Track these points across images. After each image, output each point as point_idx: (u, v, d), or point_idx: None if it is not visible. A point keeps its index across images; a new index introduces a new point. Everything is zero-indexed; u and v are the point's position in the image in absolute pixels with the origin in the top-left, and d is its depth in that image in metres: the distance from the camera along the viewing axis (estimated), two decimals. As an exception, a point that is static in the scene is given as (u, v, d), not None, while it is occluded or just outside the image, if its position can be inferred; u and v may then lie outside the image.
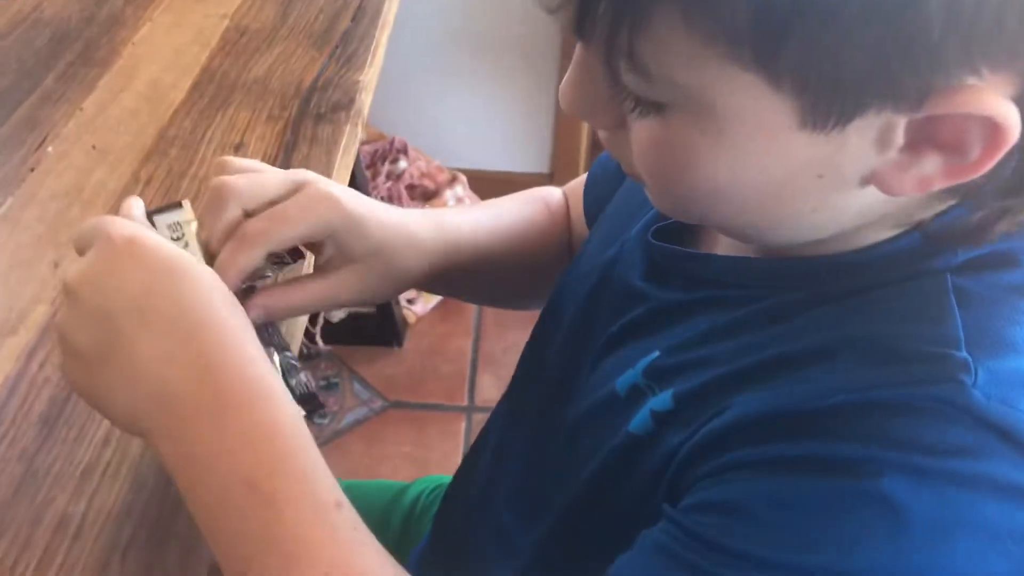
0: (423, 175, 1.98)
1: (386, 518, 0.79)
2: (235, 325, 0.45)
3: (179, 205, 0.51)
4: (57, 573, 0.48)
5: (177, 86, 0.88)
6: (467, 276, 0.63)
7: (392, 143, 1.96)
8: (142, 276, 0.44)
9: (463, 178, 1.99)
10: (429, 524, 0.71)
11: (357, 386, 1.76)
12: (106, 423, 0.55)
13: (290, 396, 0.46)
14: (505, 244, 0.66)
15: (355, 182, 1.67)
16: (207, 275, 0.46)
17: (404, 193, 1.94)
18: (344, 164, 0.80)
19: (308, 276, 0.56)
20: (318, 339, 1.77)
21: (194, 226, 0.50)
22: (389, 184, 1.93)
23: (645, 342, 0.49)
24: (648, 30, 0.36)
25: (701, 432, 0.42)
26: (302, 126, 0.83)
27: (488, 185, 1.84)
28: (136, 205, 0.49)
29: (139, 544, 0.49)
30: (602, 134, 0.45)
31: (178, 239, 0.49)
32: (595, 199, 0.66)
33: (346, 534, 0.42)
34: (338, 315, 1.78)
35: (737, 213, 0.42)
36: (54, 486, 0.52)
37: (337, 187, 0.54)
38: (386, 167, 1.94)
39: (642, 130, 0.41)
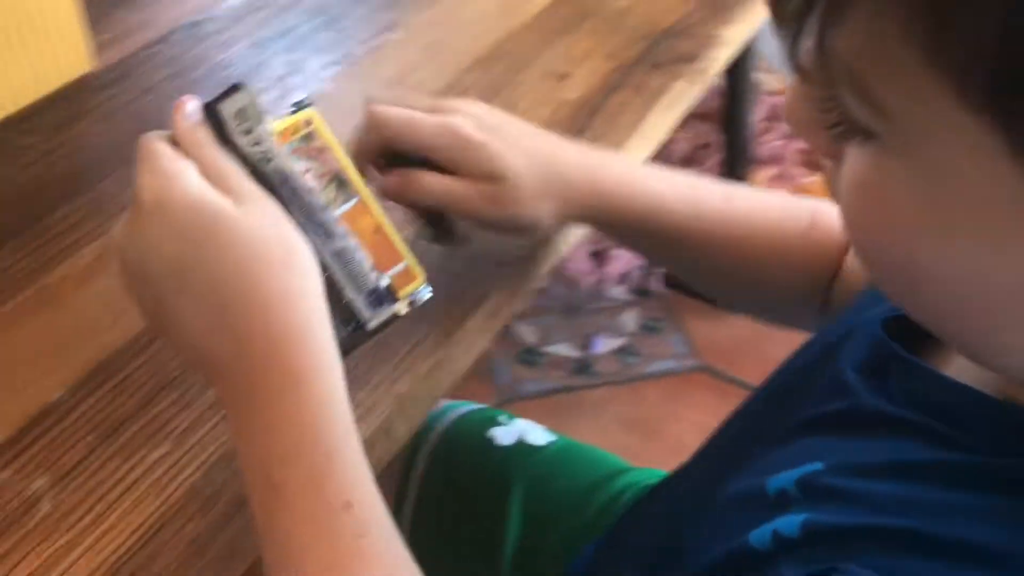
0: (821, 143, 1.84)
1: (589, 496, 0.75)
2: (269, 291, 0.41)
3: (237, 88, 0.45)
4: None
5: (541, 2, 0.86)
6: (645, 244, 0.60)
7: (799, 102, 1.83)
8: (173, 243, 0.42)
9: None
10: (612, 525, 0.67)
11: (676, 337, 1.71)
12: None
13: (330, 356, 0.43)
14: (701, 237, 0.58)
15: (735, 130, 1.59)
16: (240, 229, 0.42)
17: (792, 156, 1.81)
18: (660, 121, 0.74)
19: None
20: (655, 279, 1.74)
21: (260, 109, 0.46)
22: (780, 143, 1.81)
23: (824, 442, 0.41)
24: (852, 16, 0.28)
25: None
26: (635, 70, 0.78)
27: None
28: (191, 109, 0.44)
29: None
30: (824, 164, 0.36)
31: (248, 131, 0.45)
32: None
33: (347, 541, 0.39)
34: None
35: (938, 305, 0.33)
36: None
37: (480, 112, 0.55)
38: (780, 126, 1.82)
39: (852, 165, 0.33)
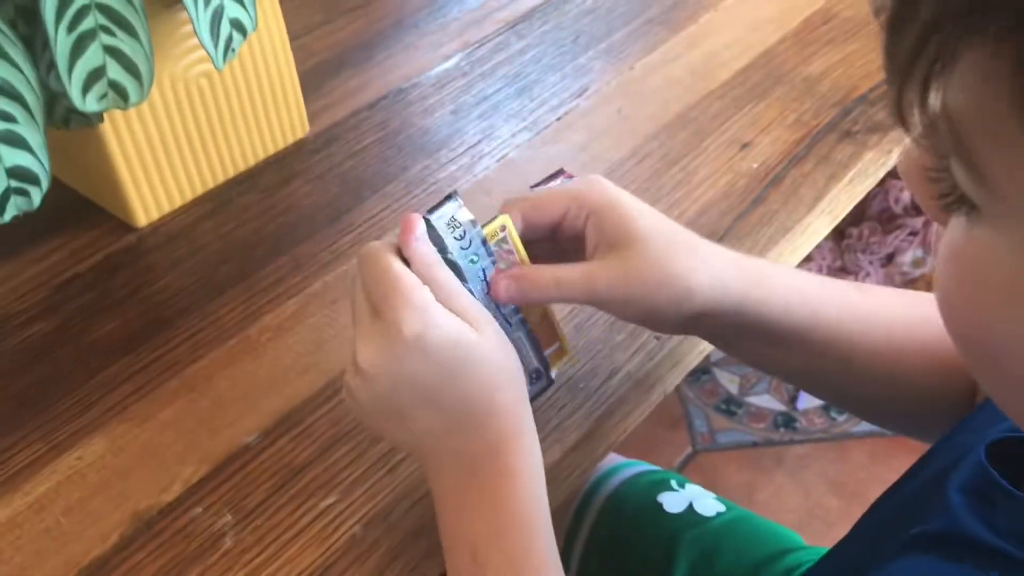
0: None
1: (753, 573, 0.74)
2: (499, 402, 0.47)
3: (450, 197, 0.50)
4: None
5: (729, 65, 0.86)
6: (775, 344, 0.53)
7: None
8: (432, 375, 0.46)
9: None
10: None
11: (887, 397, 1.63)
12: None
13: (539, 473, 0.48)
14: (841, 330, 0.54)
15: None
16: (482, 354, 0.47)
17: None
18: (842, 196, 0.72)
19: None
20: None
21: (466, 214, 0.50)
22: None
23: (923, 563, 0.39)
24: (959, 74, 0.27)
25: None
26: (823, 140, 0.76)
27: None
28: (419, 229, 0.48)
29: (427, 502, 0.54)
30: (936, 228, 0.35)
31: (460, 237, 0.50)
32: None
33: None
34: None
35: (1006, 387, 0.33)
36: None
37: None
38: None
39: (951, 232, 0.32)
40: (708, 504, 0.79)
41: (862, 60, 0.85)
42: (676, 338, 0.62)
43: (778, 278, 0.53)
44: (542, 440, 0.56)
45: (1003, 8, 0.25)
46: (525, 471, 0.47)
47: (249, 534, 0.53)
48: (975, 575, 0.37)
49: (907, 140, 0.34)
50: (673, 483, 0.82)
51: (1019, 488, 0.39)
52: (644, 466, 0.85)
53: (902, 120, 0.29)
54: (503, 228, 0.52)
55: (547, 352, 0.54)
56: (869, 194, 1.70)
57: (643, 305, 0.49)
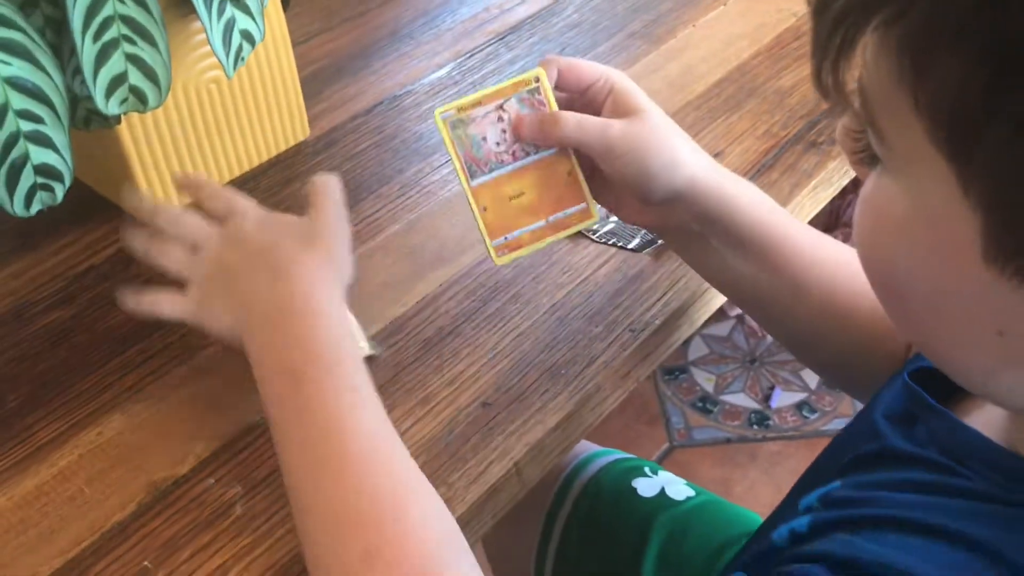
0: None
1: (720, 554, 0.78)
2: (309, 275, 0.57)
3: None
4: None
5: (705, 78, 0.92)
6: (736, 245, 0.60)
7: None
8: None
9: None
10: None
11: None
12: (456, 369, 0.65)
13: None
14: (796, 247, 0.60)
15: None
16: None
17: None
18: (811, 198, 0.78)
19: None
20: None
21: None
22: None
23: (859, 477, 0.45)
24: (863, 54, 0.34)
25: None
26: (789, 151, 0.82)
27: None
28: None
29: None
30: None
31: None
32: None
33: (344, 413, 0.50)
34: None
35: (907, 316, 0.40)
36: (400, 398, 0.64)
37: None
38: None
39: (866, 184, 0.39)
40: (679, 489, 0.84)
41: (829, 76, 0.91)
42: (649, 331, 0.67)
43: (751, 187, 0.61)
44: (526, 421, 0.61)
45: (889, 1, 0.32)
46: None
47: (258, 503, 0.59)
48: (896, 473, 0.43)
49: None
50: (647, 469, 0.87)
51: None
52: (620, 454, 0.90)
53: (821, 90, 0.36)
54: (537, 79, 0.59)
55: (572, 209, 0.61)
56: (844, 201, 1.77)
57: (642, 163, 0.57)
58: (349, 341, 0.55)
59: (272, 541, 0.56)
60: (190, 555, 0.56)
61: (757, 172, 0.80)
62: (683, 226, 0.61)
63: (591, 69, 0.60)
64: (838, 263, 0.61)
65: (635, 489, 0.84)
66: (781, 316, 0.64)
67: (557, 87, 0.60)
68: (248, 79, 0.81)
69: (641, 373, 0.67)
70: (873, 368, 0.61)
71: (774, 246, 0.60)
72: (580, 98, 0.61)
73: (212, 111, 0.79)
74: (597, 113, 0.60)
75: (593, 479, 0.86)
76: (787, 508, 0.50)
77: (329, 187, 0.61)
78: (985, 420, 0.43)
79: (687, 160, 0.58)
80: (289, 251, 0.58)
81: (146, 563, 0.56)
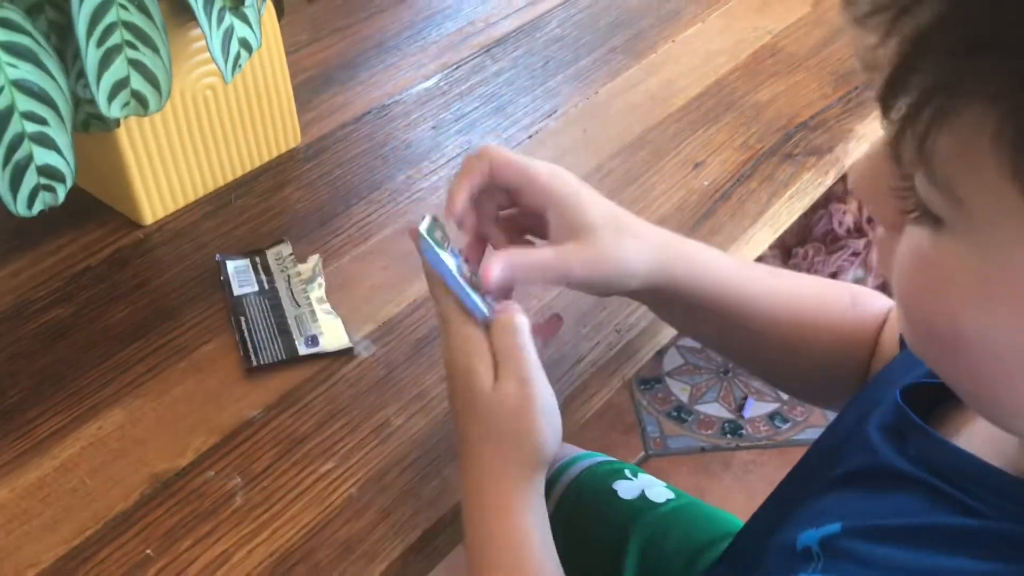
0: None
1: (699, 555, 0.80)
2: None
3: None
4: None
5: (686, 91, 0.95)
6: (696, 312, 0.62)
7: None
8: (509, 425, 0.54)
9: None
10: None
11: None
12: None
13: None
14: (754, 304, 0.62)
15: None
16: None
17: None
18: (783, 210, 0.81)
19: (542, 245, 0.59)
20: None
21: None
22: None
23: (847, 499, 0.47)
24: (952, 127, 0.32)
25: None
26: (767, 161, 0.85)
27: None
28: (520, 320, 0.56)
29: (415, 467, 0.61)
30: (879, 232, 0.41)
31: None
32: None
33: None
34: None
35: (971, 379, 0.38)
36: (393, 396, 0.66)
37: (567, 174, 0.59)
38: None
39: (911, 238, 0.37)
40: (659, 492, 0.86)
41: (804, 90, 0.94)
42: (634, 332, 0.70)
43: (703, 258, 0.62)
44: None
45: (991, 79, 0.30)
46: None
47: (256, 494, 0.60)
48: (892, 503, 0.45)
49: (854, 160, 0.41)
50: (627, 472, 0.89)
51: (929, 424, 0.47)
52: (602, 457, 0.92)
53: (896, 159, 0.34)
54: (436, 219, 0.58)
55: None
56: (815, 216, 1.81)
57: (601, 283, 0.58)
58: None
59: (272, 529, 0.58)
60: (191, 544, 0.58)
61: (736, 182, 0.83)
62: (651, 301, 0.64)
63: (522, 169, 0.58)
64: (799, 303, 0.64)
65: (616, 491, 0.86)
66: (746, 360, 0.69)
67: (486, 184, 0.59)
68: (243, 86, 0.83)
69: (626, 372, 0.70)
70: (840, 383, 0.65)
71: (730, 309, 0.62)
72: (514, 200, 0.60)
73: (208, 117, 0.81)
74: (535, 222, 0.60)
75: (575, 481, 0.88)
76: (777, 520, 0.51)
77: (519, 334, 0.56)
78: (980, 442, 0.44)
79: (642, 266, 0.58)
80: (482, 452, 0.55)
81: (148, 551, 0.58)
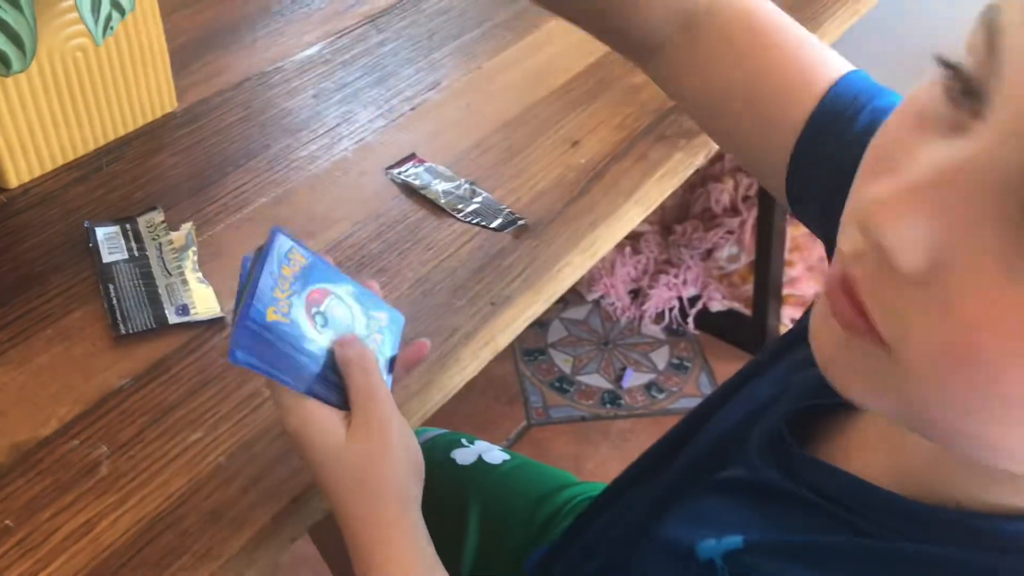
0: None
1: (537, 508, 0.83)
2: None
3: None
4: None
5: (568, 69, 0.97)
6: None
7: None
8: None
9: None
10: (558, 533, 0.76)
11: (702, 377, 1.79)
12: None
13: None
14: None
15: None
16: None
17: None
18: (654, 189, 0.84)
19: None
20: (689, 320, 1.83)
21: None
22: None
23: (736, 511, 0.48)
24: None
25: None
26: (641, 142, 0.88)
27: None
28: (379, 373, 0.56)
29: (286, 437, 0.62)
30: (857, 270, 0.35)
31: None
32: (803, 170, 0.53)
33: None
34: (717, 306, 1.82)
35: (987, 408, 0.34)
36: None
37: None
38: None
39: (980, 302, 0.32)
40: (495, 455, 0.88)
41: (679, 73, 0.97)
42: (507, 305, 0.72)
43: None
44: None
45: None
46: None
47: (123, 463, 0.60)
48: (789, 521, 0.46)
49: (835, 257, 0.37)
50: (463, 440, 0.90)
51: (813, 439, 0.48)
52: (437, 431, 0.93)
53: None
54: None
55: None
56: (693, 195, 1.87)
57: None
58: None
59: (139, 498, 0.58)
60: (53, 514, 0.57)
61: (611, 161, 0.85)
62: None
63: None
64: None
65: (454, 459, 0.87)
66: None
67: None
68: (116, 48, 0.81)
69: (500, 343, 0.71)
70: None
71: None
72: None
73: (78, 79, 0.79)
74: None
75: None
76: (675, 530, 0.51)
77: (364, 365, 0.55)
78: (870, 464, 0.45)
79: None
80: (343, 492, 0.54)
81: (7, 522, 0.57)
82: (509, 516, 0.81)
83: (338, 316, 0.57)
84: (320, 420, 0.54)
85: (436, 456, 0.88)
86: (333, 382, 0.55)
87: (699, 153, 0.89)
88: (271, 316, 0.53)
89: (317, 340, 0.55)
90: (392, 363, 0.60)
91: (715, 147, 0.91)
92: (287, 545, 0.59)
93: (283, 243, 0.56)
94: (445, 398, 0.68)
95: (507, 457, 0.88)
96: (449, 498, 0.84)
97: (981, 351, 0.32)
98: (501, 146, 0.87)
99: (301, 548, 0.64)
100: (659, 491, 0.58)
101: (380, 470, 0.53)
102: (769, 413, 0.52)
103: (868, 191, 0.33)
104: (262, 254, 0.55)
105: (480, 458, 0.87)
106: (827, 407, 0.49)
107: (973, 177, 0.31)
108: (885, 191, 0.32)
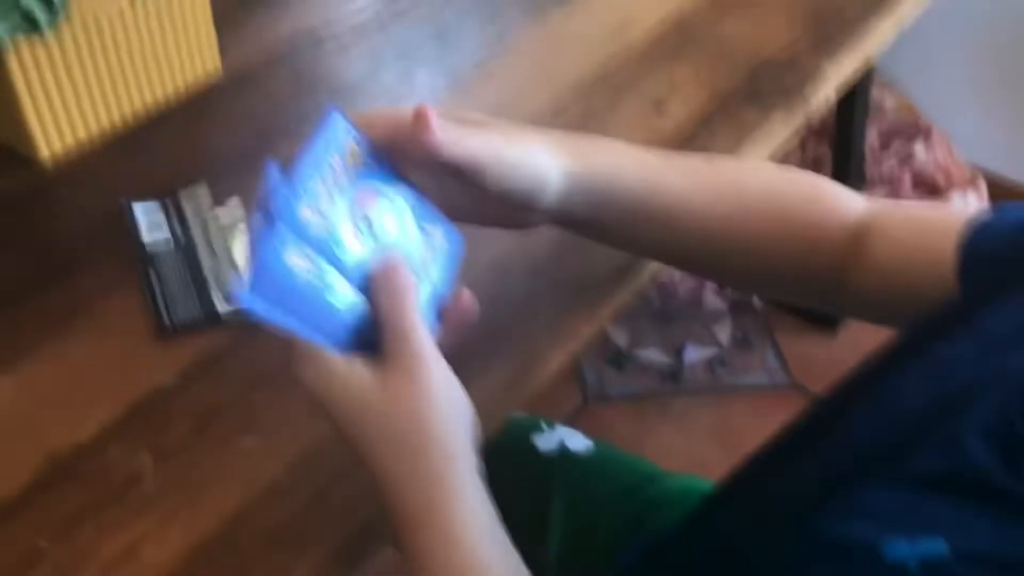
0: (937, 167, 1.79)
1: (626, 500, 0.78)
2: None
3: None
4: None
5: (647, 19, 0.88)
6: (622, 218, 0.57)
7: (916, 123, 1.80)
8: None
9: (983, 184, 1.77)
10: (657, 524, 0.71)
11: (768, 352, 1.71)
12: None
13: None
14: (699, 204, 0.58)
15: (847, 148, 1.57)
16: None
17: (907, 180, 1.78)
18: (751, 155, 0.75)
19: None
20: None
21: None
22: (893, 163, 1.78)
23: (942, 510, 0.40)
24: None
25: None
26: (732, 101, 0.79)
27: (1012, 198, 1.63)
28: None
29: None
30: None
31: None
32: (977, 255, 0.53)
33: None
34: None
35: None
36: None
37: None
38: (896, 145, 1.79)
39: None
40: (578, 441, 0.84)
41: (771, 25, 0.88)
42: (592, 291, 0.64)
43: (622, 155, 0.58)
44: (466, 383, 0.57)
45: None
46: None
47: (169, 473, 0.53)
48: (1008, 532, 0.38)
49: None
50: (543, 425, 0.86)
51: None
52: (517, 413, 0.87)
53: None
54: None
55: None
56: (804, 153, 1.76)
57: (518, 178, 0.52)
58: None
59: (188, 515, 0.51)
60: (93, 533, 0.51)
61: (702, 125, 0.77)
62: (571, 216, 0.57)
63: (390, 117, 0.50)
64: (742, 192, 0.60)
65: (534, 445, 0.83)
66: (701, 261, 0.62)
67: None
68: (155, 7, 0.73)
69: (585, 333, 0.63)
70: (813, 284, 0.61)
71: (666, 203, 0.58)
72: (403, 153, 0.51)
73: (114, 42, 0.72)
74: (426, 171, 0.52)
75: (491, 441, 0.84)
76: (846, 526, 0.43)
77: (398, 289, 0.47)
78: None
79: (552, 145, 0.54)
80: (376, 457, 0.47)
81: (41, 543, 0.50)
82: (596, 510, 0.77)
83: (386, 227, 0.47)
84: (339, 365, 0.46)
85: (516, 440, 0.83)
86: (369, 337, 0.46)
87: (798, 112, 0.80)
88: (304, 214, 0.44)
89: (355, 252, 0.46)
90: (439, 300, 0.50)
91: (815, 104, 0.81)
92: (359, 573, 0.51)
93: (339, 126, 0.46)
94: (533, 392, 0.60)
95: (590, 444, 0.83)
96: (532, 487, 0.80)
97: None
98: (578, 110, 0.78)
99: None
100: (810, 481, 0.49)
101: (414, 418, 0.46)
102: (985, 394, 0.43)
103: None
104: (312, 136, 0.45)
105: (562, 444, 0.82)
106: None
107: None
108: None
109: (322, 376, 0.46)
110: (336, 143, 0.46)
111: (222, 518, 0.51)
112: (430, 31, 0.87)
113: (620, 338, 1.75)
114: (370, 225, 0.47)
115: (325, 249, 0.45)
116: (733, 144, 0.75)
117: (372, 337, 0.47)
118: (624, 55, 0.84)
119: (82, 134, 0.73)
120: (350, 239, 0.46)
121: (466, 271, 0.64)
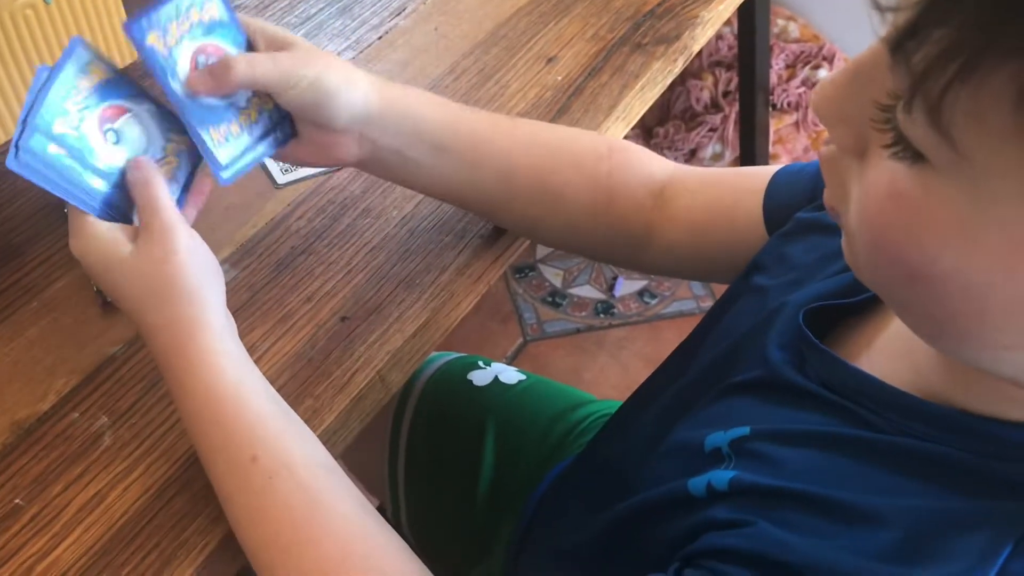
0: (841, 90, 1.87)
1: (552, 426, 0.84)
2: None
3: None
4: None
5: (534, -18, 0.94)
6: (431, 153, 0.62)
7: (821, 48, 1.88)
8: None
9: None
10: (577, 449, 0.77)
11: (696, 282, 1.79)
12: (312, 287, 0.67)
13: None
14: (507, 151, 0.63)
15: (751, 77, 1.63)
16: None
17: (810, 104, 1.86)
18: (639, 98, 0.82)
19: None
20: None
21: None
22: (801, 91, 1.86)
23: (750, 406, 0.49)
24: (972, 84, 0.31)
25: (727, 536, 0.42)
26: (617, 53, 0.86)
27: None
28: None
29: (285, 390, 0.61)
30: (826, 150, 0.40)
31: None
32: (775, 208, 0.61)
33: (257, 488, 0.50)
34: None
35: (935, 310, 0.37)
36: (259, 319, 0.65)
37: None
38: (804, 72, 1.87)
39: (883, 173, 0.36)
40: (511, 375, 0.89)
41: (651, -23, 0.94)
42: (499, 239, 0.71)
43: (419, 92, 0.63)
44: (386, 331, 0.64)
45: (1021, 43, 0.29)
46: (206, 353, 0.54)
47: (125, 432, 0.60)
48: (797, 414, 0.46)
49: (820, 82, 0.40)
50: (480, 363, 0.91)
51: (828, 346, 0.48)
52: (453, 355, 0.93)
53: (908, 103, 0.32)
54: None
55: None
56: (674, 94, 1.84)
57: (319, 85, 0.58)
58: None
59: (145, 465, 0.58)
60: (63, 488, 0.57)
61: (588, 75, 0.83)
62: (379, 148, 0.62)
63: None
64: (548, 143, 0.65)
65: (471, 381, 0.88)
66: (497, 211, 0.67)
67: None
68: (68, 5, 0.77)
69: (492, 276, 0.70)
70: (613, 236, 0.66)
71: (470, 142, 0.63)
72: None
73: (31, 39, 0.76)
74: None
75: (431, 380, 0.89)
76: (684, 433, 0.52)
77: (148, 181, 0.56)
78: (881, 365, 0.46)
79: (361, 75, 0.60)
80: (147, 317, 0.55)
81: (18, 500, 0.57)
82: (524, 434, 0.82)
83: (133, 136, 0.57)
84: (103, 235, 0.55)
85: (453, 379, 0.88)
86: (127, 206, 0.56)
87: (678, 60, 0.87)
88: (58, 128, 0.54)
89: (108, 159, 0.56)
90: (185, 189, 0.60)
91: (694, 50, 0.89)
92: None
93: (82, 54, 0.56)
94: (443, 336, 0.67)
95: (523, 377, 0.88)
96: (467, 419, 0.84)
97: (879, 217, 0.36)
98: (474, 69, 0.85)
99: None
100: (670, 403, 0.58)
101: (166, 271, 0.54)
102: (783, 312, 0.52)
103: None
104: (57, 63, 0.55)
105: (496, 379, 0.87)
106: (846, 307, 0.50)
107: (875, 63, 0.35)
108: (825, 78, 0.39)
109: (91, 242, 0.55)
110: (80, 67, 0.56)
111: (175, 464, 0.58)
112: (333, 4, 0.92)
113: (555, 278, 1.82)
114: (117, 136, 0.57)
115: (79, 156, 0.55)
116: (619, 91, 0.82)
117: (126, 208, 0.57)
118: (518, 15, 0.90)
119: (11, 127, 0.78)
120: (101, 148, 0.56)
121: (379, 230, 0.71)
